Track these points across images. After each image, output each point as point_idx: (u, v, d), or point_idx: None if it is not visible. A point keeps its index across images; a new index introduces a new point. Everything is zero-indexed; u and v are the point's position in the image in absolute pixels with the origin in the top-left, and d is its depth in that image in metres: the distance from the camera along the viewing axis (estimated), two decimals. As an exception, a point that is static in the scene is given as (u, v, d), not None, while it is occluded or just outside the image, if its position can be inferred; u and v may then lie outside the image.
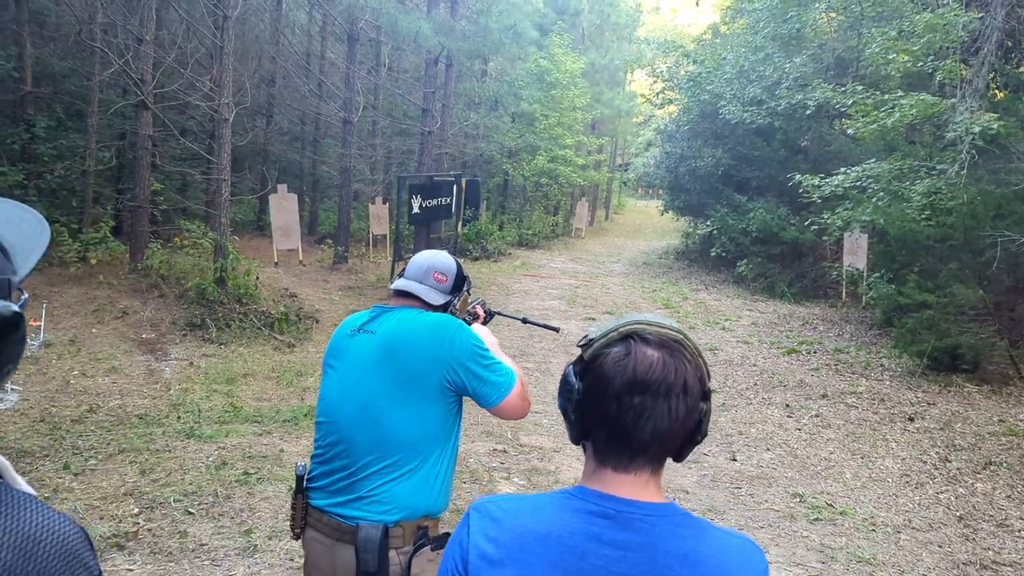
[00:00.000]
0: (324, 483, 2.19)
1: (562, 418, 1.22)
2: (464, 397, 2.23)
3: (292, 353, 8.72)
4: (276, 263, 13.53)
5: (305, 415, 6.47)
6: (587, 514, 1.12)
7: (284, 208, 13.88)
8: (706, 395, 1.15)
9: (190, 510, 4.56)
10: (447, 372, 2.14)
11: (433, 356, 2.13)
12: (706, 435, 1.17)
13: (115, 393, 6.73)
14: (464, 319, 2.66)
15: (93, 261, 10.27)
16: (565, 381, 1.19)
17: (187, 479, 5.00)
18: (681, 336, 1.15)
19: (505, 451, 6.04)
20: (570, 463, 5.87)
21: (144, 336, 8.54)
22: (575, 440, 1.21)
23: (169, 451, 5.49)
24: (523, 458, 5.93)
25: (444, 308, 2.38)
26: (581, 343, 1.20)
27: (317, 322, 10.05)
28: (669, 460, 1.18)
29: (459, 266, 2.48)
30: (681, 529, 1.11)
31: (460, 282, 2.46)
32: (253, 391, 7.23)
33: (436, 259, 2.43)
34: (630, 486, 1.13)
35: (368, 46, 17.14)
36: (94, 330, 8.47)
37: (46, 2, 11.51)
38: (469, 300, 2.64)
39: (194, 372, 7.60)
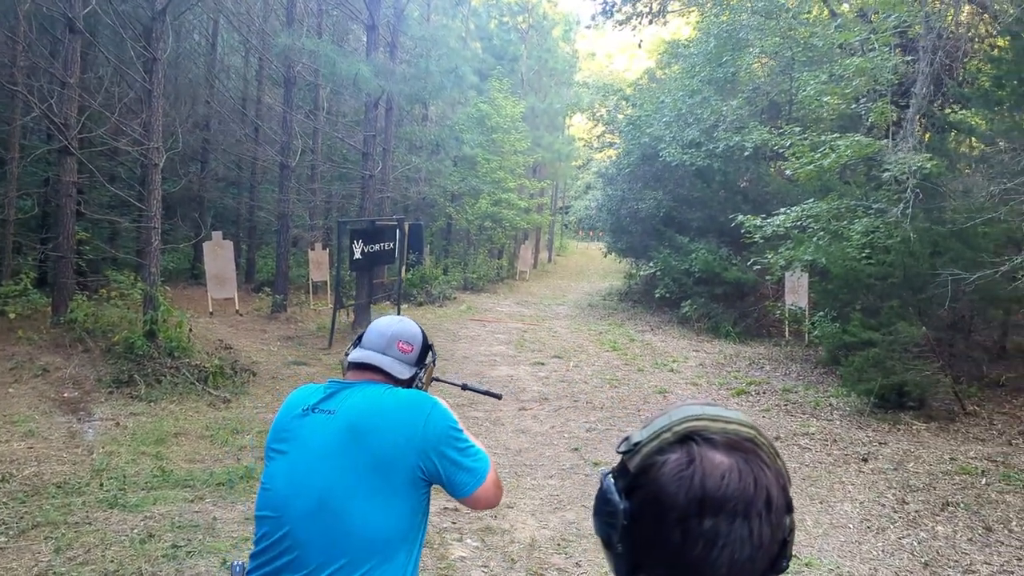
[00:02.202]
0: None
1: (605, 548, 0.93)
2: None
3: (228, 409, 8.28)
4: (211, 313, 13.04)
5: (241, 477, 6.07)
6: None
7: (219, 256, 13.45)
8: (790, 507, 0.91)
9: (111, 592, 4.15)
10: (421, 459, 1.86)
11: (407, 440, 1.85)
12: (790, 559, 0.91)
13: (31, 460, 6.23)
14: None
15: (11, 315, 9.68)
16: (604, 500, 0.92)
17: (108, 555, 4.57)
18: (754, 433, 0.90)
19: (456, 509, 5.73)
20: (524, 519, 5.60)
21: (66, 395, 8.02)
22: None
23: (89, 524, 5.04)
24: (475, 516, 5.64)
25: (409, 383, 2.09)
26: (621, 449, 0.92)
27: (254, 375, 9.61)
28: None
29: (424, 333, 2.20)
30: None
31: (425, 351, 2.18)
32: (185, 452, 6.79)
33: (400, 326, 2.13)
34: None
35: (306, 90, 16.91)
36: (11, 390, 7.91)
37: (-37, 45, 10.99)
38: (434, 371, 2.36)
39: (120, 433, 7.12)
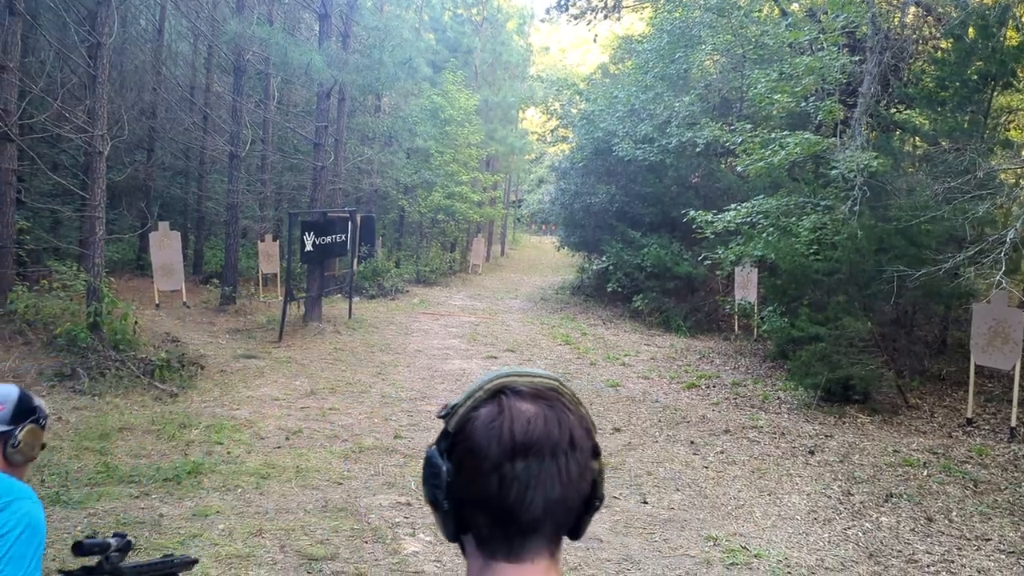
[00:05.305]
0: None
1: (434, 512, 0.98)
2: None
3: (175, 403, 8.10)
4: (158, 305, 12.76)
5: (189, 472, 5.96)
6: None
7: (166, 246, 13.16)
8: (596, 452, 0.98)
9: (52, 592, 4.02)
10: None
11: None
12: (603, 500, 0.99)
13: (-32, 456, 6.01)
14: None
15: (-53, 306, 9.34)
16: (429, 464, 0.97)
17: (49, 554, 4.43)
18: (557, 383, 0.98)
19: (409, 504, 5.70)
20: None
21: (5, 389, 7.76)
22: (452, 536, 0.98)
23: (30, 521, 4.89)
24: (428, 510, 5.60)
25: (3, 442, 2.00)
26: (441, 414, 0.98)
27: (202, 368, 9.43)
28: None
29: (24, 397, 2.08)
30: None
31: (25, 412, 2.06)
32: (130, 447, 6.62)
33: None
34: None
35: (256, 79, 16.61)
36: (-54, 384, 7.63)
37: None
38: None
39: (62, 428, 6.91)
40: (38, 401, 2.09)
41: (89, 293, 9.15)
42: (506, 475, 0.90)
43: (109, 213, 10.95)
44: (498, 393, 0.95)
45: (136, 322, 9.62)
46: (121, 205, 14.96)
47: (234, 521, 5.15)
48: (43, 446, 2.09)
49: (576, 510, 0.95)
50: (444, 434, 0.97)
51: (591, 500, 0.97)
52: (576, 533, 0.98)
